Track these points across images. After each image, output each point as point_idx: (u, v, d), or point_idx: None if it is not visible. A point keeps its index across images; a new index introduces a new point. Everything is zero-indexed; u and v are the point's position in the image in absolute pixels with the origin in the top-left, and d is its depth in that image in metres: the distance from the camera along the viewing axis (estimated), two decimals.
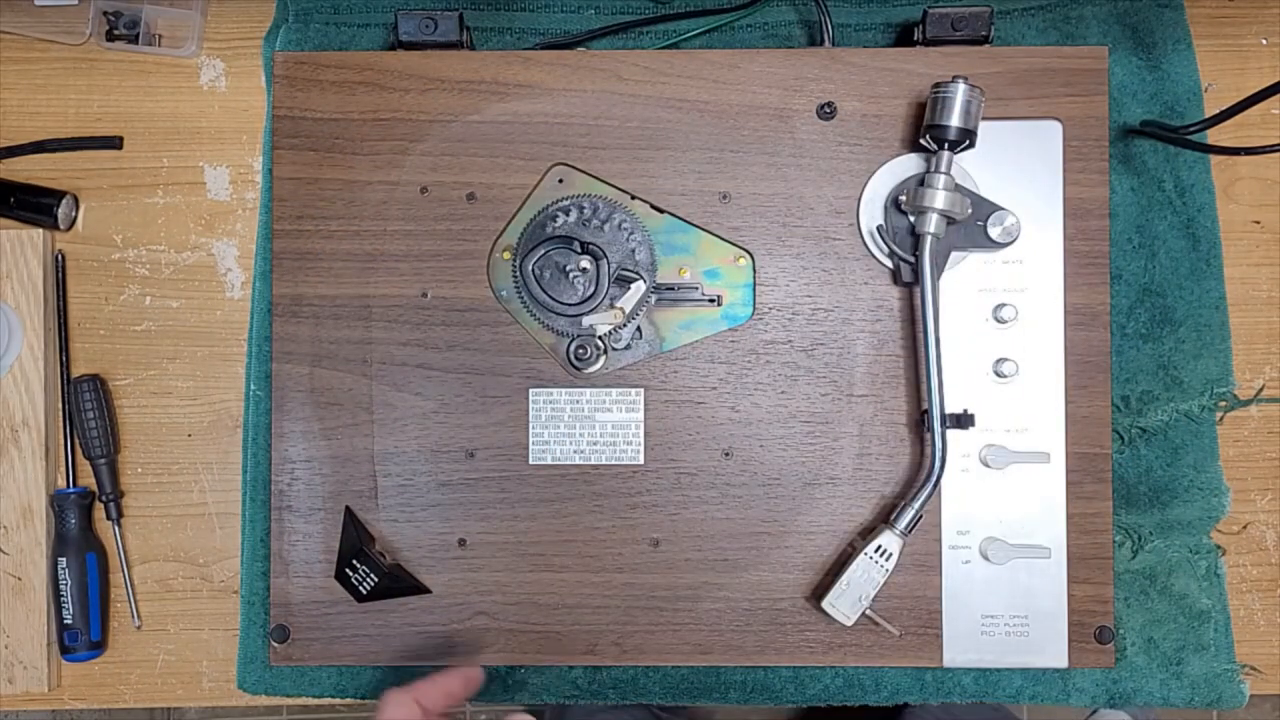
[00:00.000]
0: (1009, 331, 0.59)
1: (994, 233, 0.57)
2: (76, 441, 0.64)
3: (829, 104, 0.59)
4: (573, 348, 0.59)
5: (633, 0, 0.65)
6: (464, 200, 0.60)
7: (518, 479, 0.59)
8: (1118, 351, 0.62)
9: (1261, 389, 0.64)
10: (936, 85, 0.55)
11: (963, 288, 0.59)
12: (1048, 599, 0.58)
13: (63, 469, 0.64)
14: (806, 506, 0.59)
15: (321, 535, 0.59)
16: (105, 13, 0.65)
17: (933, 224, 0.56)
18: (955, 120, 0.54)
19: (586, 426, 0.59)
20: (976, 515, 0.59)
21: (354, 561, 0.59)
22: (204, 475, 0.64)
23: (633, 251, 0.60)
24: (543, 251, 0.59)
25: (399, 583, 0.59)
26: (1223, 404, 0.63)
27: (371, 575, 0.58)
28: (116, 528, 0.64)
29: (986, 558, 0.58)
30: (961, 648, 0.58)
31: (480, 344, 0.59)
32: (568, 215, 0.60)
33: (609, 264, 0.59)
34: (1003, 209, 0.57)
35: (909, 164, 0.59)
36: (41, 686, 0.62)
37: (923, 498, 0.56)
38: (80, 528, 0.63)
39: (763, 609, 0.59)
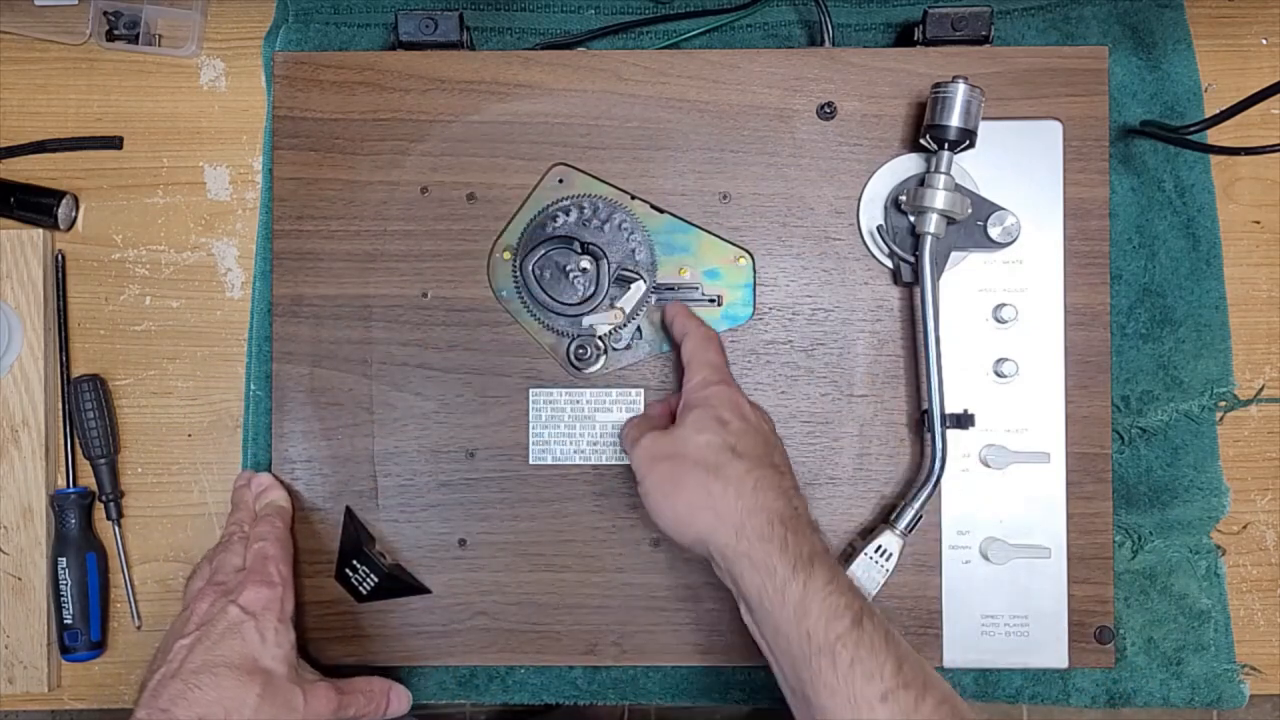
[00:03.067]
0: (1009, 331, 0.59)
1: (994, 233, 0.57)
2: (76, 441, 0.63)
3: (829, 104, 0.59)
4: (573, 348, 0.59)
5: (633, 0, 0.65)
6: (464, 200, 0.60)
7: (518, 479, 0.59)
8: (1118, 351, 0.62)
9: (1261, 389, 0.64)
10: (936, 85, 0.55)
11: (963, 288, 0.59)
12: (1048, 599, 0.58)
13: (63, 469, 0.64)
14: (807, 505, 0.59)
15: (321, 535, 0.59)
16: (105, 13, 0.65)
17: (933, 224, 0.56)
18: (955, 120, 0.54)
19: (586, 426, 0.59)
20: (976, 515, 0.59)
21: (354, 561, 0.59)
22: (204, 475, 0.64)
23: (633, 251, 0.60)
24: (543, 251, 0.59)
25: (399, 583, 0.59)
26: (1223, 404, 0.63)
27: (371, 575, 0.58)
28: (116, 528, 0.64)
29: (986, 558, 0.58)
30: (961, 648, 0.58)
31: (480, 344, 0.59)
32: (568, 215, 0.60)
33: (609, 264, 0.59)
34: (1003, 209, 0.57)
35: (909, 164, 0.59)
36: (41, 686, 0.62)
37: (923, 498, 0.56)
38: (80, 528, 0.62)
39: None
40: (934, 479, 0.56)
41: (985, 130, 0.56)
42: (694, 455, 0.50)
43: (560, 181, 0.60)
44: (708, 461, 0.49)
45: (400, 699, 0.58)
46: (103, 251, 0.65)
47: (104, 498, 0.63)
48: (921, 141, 0.57)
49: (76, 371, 0.64)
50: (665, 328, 0.58)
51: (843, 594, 0.46)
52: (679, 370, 0.59)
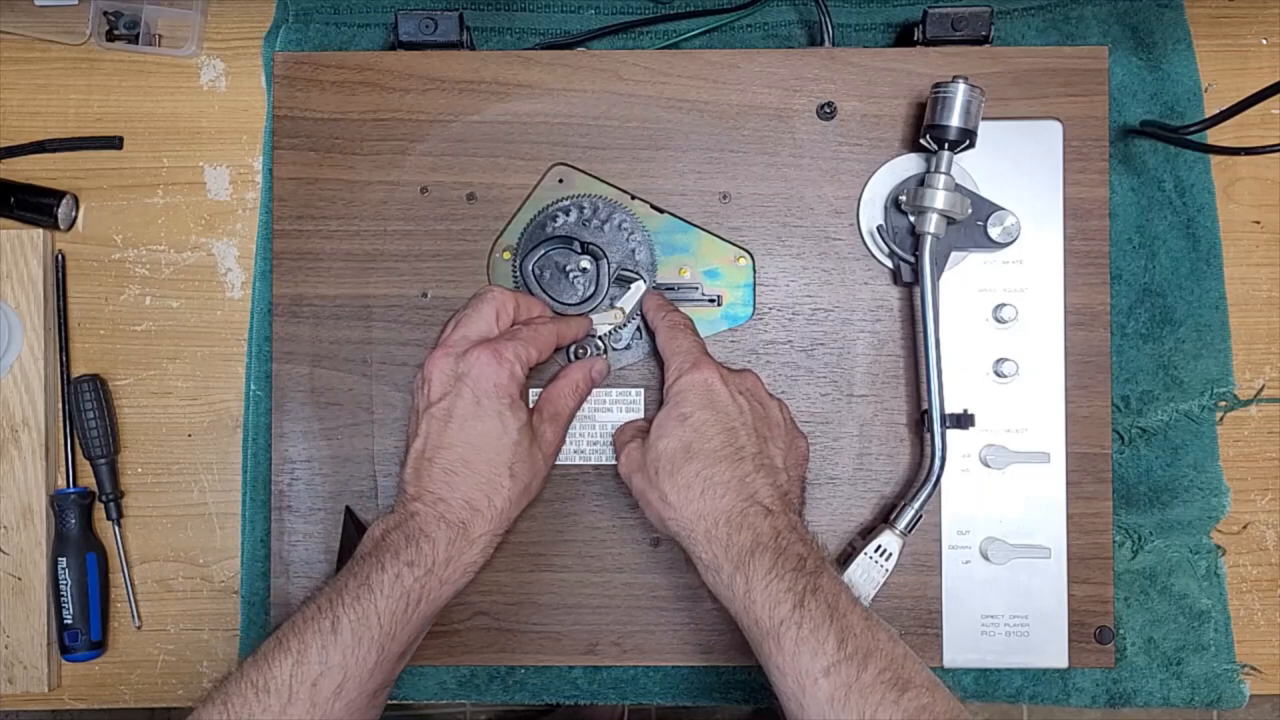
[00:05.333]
0: (1009, 331, 0.59)
1: (994, 233, 0.57)
2: (76, 441, 0.64)
3: (829, 104, 0.59)
4: (572, 348, 0.59)
5: (633, 0, 0.65)
6: (464, 200, 0.60)
7: None
8: (1118, 351, 0.62)
9: (1261, 389, 0.64)
10: (936, 85, 0.55)
11: (963, 288, 0.59)
12: (1048, 599, 0.58)
13: (63, 469, 0.64)
14: (806, 506, 0.59)
15: (321, 535, 0.59)
16: (105, 13, 0.65)
17: (933, 224, 0.56)
18: (955, 120, 0.54)
19: (586, 426, 0.59)
20: (976, 515, 0.59)
21: None
22: (204, 475, 0.64)
23: (633, 251, 0.60)
24: (543, 251, 0.59)
25: None
26: (1223, 404, 0.63)
27: None
28: (116, 528, 0.64)
29: (986, 558, 0.58)
30: (961, 648, 0.58)
31: None
32: (568, 215, 0.60)
33: (609, 264, 0.59)
34: (1003, 209, 0.57)
35: (909, 164, 0.59)
36: (41, 686, 0.62)
37: (923, 498, 0.56)
38: (80, 528, 0.62)
39: None
40: (934, 479, 0.56)
41: (985, 130, 0.56)
42: (653, 464, 0.52)
43: (560, 181, 0.60)
44: (664, 469, 0.52)
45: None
46: (103, 251, 0.65)
47: (104, 498, 0.63)
48: (921, 141, 0.57)
49: (76, 371, 0.64)
50: (643, 318, 0.60)
51: (784, 578, 0.48)
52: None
